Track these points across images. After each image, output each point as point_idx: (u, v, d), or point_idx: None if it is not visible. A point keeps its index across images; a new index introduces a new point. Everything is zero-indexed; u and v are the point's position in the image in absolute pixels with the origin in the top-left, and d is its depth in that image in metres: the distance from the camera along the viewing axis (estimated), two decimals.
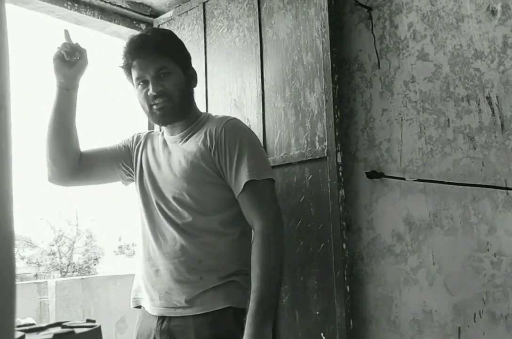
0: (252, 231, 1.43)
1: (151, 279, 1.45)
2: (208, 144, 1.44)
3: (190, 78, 1.52)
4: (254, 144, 1.47)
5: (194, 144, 1.47)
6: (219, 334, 1.35)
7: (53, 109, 1.52)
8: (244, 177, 1.39)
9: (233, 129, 1.46)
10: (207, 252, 1.41)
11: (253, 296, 1.32)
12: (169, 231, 1.44)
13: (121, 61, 1.49)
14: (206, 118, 1.54)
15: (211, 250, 1.42)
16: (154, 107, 1.45)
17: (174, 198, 1.44)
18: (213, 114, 1.58)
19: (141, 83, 1.46)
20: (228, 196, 1.44)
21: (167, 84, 1.44)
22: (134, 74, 1.47)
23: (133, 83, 1.50)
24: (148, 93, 1.43)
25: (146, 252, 1.48)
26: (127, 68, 1.48)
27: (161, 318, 1.41)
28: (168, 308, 1.41)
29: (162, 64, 1.44)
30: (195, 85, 1.55)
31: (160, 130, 1.66)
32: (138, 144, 1.62)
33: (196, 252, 1.41)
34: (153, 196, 1.49)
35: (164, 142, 1.56)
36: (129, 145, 1.63)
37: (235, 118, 1.53)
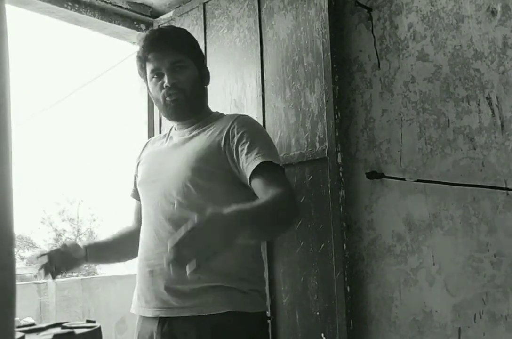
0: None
1: (145, 280, 1.41)
2: (218, 136, 1.43)
3: (203, 75, 1.54)
4: (266, 135, 1.49)
5: (203, 136, 1.47)
6: (222, 338, 1.34)
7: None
8: (259, 158, 1.35)
9: (244, 121, 1.47)
10: None
11: (252, 203, 1.20)
12: (166, 229, 1.39)
13: (137, 53, 1.51)
14: (218, 116, 1.55)
15: None
16: (168, 98, 1.46)
17: (178, 190, 1.40)
18: (225, 113, 1.59)
19: (156, 76, 1.47)
20: (234, 189, 1.41)
21: (182, 77, 1.46)
22: (149, 66, 1.48)
23: (146, 76, 1.51)
24: (164, 85, 1.44)
25: (142, 252, 1.45)
26: (143, 60, 1.50)
27: (161, 321, 1.37)
28: (164, 309, 1.36)
29: (178, 57, 1.46)
30: (207, 83, 1.56)
31: (164, 132, 1.67)
32: (139, 161, 1.64)
33: None
34: (152, 193, 1.46)
35: (170, 137, 1.57)
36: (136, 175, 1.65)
37: (247, 115, 1.56)
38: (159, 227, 1.41)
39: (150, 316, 1.39)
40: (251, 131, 1.43)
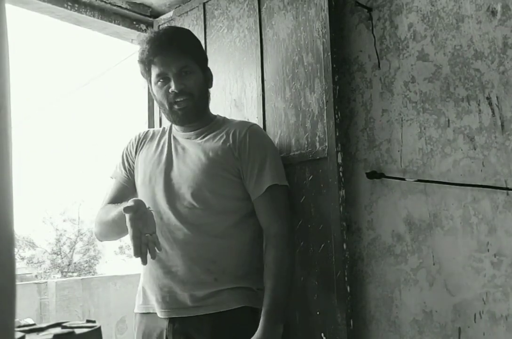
0: (265, 233, 1.45)
1: (158, 282, 1.42)
2: (231, 144, 1.46)
3: (208, 78, 1.55)
4: (276, 151, 1.54)
5: (214, 142, 1.48)
6: (237, 332, 1.36)
7: (118, 224, 1.41)
8: (267, 181, 1.43)
9: (257, 134, 1.51)
10: (221, 252, 1.41)
11: (268, 293, 1.35)
12: (182, 231, 1.41)
13: (141, 56, 1.48)
14: (222, 120, 1.57)
15: (226, 251, 1.42)
16: (176, 106, 1.46)
17: (193, 194, 1.42)
18: (228, 118, 1.61)
19: (161, 80, 1.46)
20: (243, 194, 1.46)
21: (188, 83, 1.46)
22: (155, 70, 1.47)
23: (150, 79, 1.50)
24: (170, 90, 1.44)
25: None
26: (147, 64, 1.48)
27: (172, 319, 1.39)
28: (178, 309, 1.38)
29: (185, 62, 1.46)
30: (211, 85, 1.57)
31: (164, 127, 1.66)
32: (136, 150, 1.62)
33: (210, 253, 1.41)
34: (163, 195, 1.46)
35: (174, 138, 1.56)
36: (129, 160, 1.62)
37: (256, 124, 1.59)
38: (174, 229, 1.43)
39: (163, 317, 1.40)
40: (263, 147, 1.49)
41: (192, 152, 1.48)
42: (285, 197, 1.48)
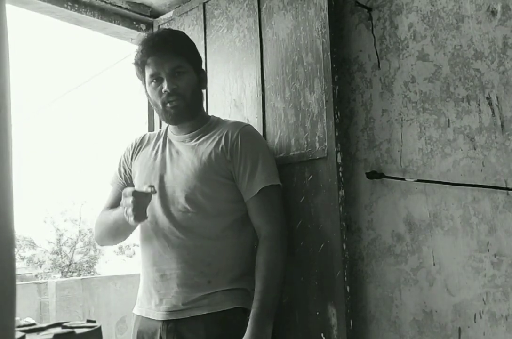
0: (258, 234, 1.46)
1: (155, 284, 1.44)
2: (223, 146, 1.46)
3: (201, 79, 1.55)
4: (268, 151, 1.54)
5: (207, 145, 1.48)
6: (229, 332, 1.37)
7: (117, 225, 1.49)
8: (260, 182, 1.44)
9: (249, 135, 1.51)
10: (215, 254, 1.42)
11: (258, 296, 1.35)
12: (176, 235, 1.43)
13: (135, 57, 1.50)
14: (216, 121, 1.57)
15: (220, 253, 1.43)
16: (168, 105, 1.46)
17: (186, 198, 1.44)
18: (222, 118, 1.62)
19: (155, 81, 1.47)
20: (237, 197, 1.47)
21: (181, 83, 1.46)
22: (148, 71, 1.47)
23: (144, 80, 1.51)
24: (163, 90, 1.45)
25: (150, 257, 1.47)
26: (141, 65, 1.49)
27: (167, 320, 1.41)
28: (174, 312, 1.40)
29: (178, 63, 1.46)
30: (205, 86, 1.58)
31: (160, 130, 1.67)
32: (132, 156, 1.63)
33: (204, 255, 1.42)
34: (158, 199, 1.47)
35: (169, 141, 1.56)
36: (126, 166, 1.63)
37: (249, 125, 1.58)
38: (168, 233, 1.44)
39: (159, 319, 1.41)
40: (255, 148, 1.49)
41: (186, 155, 1.49)
42: (278, 198, 1.49)
